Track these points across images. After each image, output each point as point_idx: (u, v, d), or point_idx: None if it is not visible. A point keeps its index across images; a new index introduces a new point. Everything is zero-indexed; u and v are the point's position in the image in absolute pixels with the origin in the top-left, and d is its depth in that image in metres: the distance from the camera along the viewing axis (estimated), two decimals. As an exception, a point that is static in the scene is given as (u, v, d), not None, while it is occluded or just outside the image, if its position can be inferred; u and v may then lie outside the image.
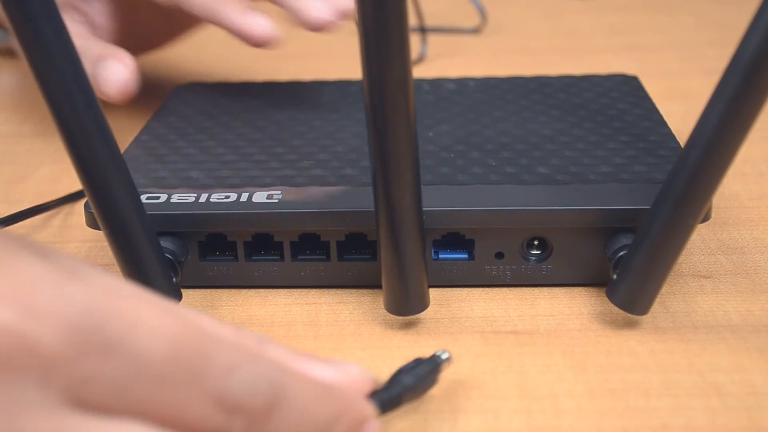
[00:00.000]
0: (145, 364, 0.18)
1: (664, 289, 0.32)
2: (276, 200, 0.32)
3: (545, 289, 0.33)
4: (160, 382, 0.18)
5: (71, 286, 0.18)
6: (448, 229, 0.32)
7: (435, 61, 0.59)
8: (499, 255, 0.33)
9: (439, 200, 0.32)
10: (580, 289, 0.33)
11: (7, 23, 0.25)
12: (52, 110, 0.26)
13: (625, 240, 0.31)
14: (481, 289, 0.33)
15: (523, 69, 0.55)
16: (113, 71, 0.37)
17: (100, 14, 0.43)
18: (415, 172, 0.27)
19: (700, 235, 0.37)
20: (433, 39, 0.62)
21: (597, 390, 0.28)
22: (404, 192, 0.27)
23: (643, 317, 0.31)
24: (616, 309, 0.31)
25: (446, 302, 0.33)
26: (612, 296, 0.30)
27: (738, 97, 0.25)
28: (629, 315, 0.31)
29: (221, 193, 0.33)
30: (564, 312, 0.32)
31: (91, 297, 0.18)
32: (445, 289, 0.33)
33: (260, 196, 0.32)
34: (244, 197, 0.32)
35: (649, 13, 0.68)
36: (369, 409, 0.23)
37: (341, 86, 0.43)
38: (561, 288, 0.33)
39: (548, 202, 0.31)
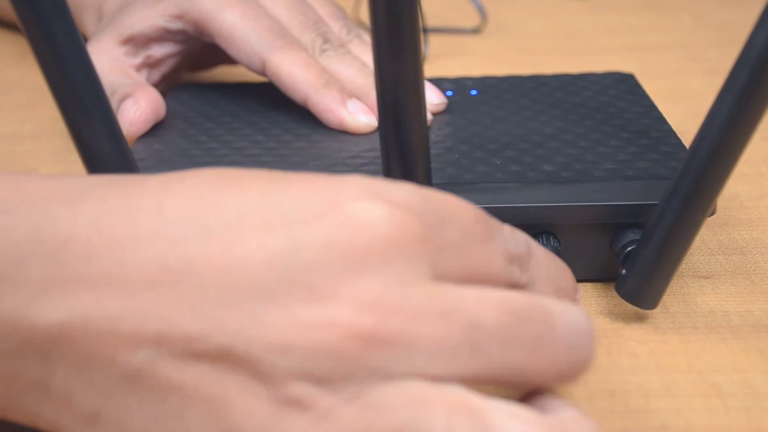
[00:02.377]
0: (467, 229, 0.23)
1: (664, 289, 0.32)
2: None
3: (545, 290, 0.33)
4: (476, 240, 0.23)
5: (397, 185, 0.23)
6: None
7: (435, 61, 0.59)
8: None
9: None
10: (580, 288, 0.33)
11: (18, 22, 0.25)
12: (62, 109, 0.26)
13: (633, 235, 0.31)
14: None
15: (523, 69, 0.55)
16: (126, 111, 0.39)
17: (166, 57, 0.44)
18: (427, 169, 0.27)
19: (700, 236, 0.37)
20: (433, 39, 0.62)
21: (597, 391, 0.28)
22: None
23: (643, 318, 0.31)
24: (615, 310, 0.31)
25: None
26: (621, 290, 0.30)
27: (747, 93, 0.25)
28: (629, 315, 0.31)
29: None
30: (564, 312, 0.32)
31: (415, 188, 0.23)
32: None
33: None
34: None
35: (649, 13, 0.68)
36: None
37: None
38: (561, 288, 0.33)
39: (556, 198, 0.32)
